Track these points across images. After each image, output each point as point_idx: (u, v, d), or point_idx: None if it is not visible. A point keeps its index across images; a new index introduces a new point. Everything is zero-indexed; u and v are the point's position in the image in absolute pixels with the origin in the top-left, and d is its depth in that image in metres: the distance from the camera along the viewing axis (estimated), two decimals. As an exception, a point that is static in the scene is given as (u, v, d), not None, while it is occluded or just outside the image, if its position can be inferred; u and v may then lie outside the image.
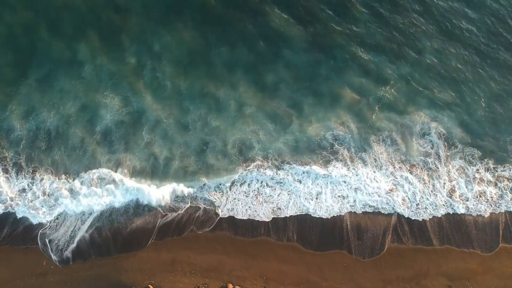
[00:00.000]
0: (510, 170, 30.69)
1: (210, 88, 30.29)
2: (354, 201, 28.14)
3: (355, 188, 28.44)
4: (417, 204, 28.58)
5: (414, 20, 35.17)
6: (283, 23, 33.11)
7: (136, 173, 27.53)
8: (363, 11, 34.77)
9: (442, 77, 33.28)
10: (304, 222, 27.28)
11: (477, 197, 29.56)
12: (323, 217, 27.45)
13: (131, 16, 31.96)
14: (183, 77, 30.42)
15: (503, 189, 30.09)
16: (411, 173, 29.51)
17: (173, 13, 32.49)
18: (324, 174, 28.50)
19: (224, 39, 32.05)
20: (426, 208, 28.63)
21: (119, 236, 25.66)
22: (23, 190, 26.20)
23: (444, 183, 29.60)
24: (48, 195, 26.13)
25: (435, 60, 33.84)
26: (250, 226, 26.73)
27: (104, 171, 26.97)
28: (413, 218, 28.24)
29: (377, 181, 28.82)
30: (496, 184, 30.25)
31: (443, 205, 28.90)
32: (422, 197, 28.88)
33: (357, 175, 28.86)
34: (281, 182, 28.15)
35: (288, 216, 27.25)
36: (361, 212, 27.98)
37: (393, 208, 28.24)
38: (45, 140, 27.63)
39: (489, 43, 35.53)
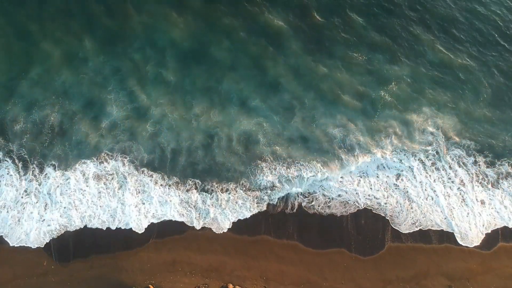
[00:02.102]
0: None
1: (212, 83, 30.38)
2: (357, 195, 27.99)
3: (358, 184, 28.32)
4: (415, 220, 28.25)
5: (415, 20, 34.90)
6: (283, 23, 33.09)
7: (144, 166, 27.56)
8: (364, 11, 34.64)
9: (442, 77, 33.05)
10: (304, 218, 27.21)
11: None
12: (326, 213, 27.43)
13: (133, 12, 32.02)
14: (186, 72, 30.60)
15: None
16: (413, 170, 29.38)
17: (176, 8, 32.57)
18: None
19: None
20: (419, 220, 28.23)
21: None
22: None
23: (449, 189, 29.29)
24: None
25: (435, 59, 33.54)
26: (250, 225, 26.63)
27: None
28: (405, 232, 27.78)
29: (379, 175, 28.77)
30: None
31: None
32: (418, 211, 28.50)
33: (357, 173, 28.79)
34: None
35: (288, 212, 27.23)
36: (362, 207, 27.82)
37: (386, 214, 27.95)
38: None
39: (489, 42, 35.19)
